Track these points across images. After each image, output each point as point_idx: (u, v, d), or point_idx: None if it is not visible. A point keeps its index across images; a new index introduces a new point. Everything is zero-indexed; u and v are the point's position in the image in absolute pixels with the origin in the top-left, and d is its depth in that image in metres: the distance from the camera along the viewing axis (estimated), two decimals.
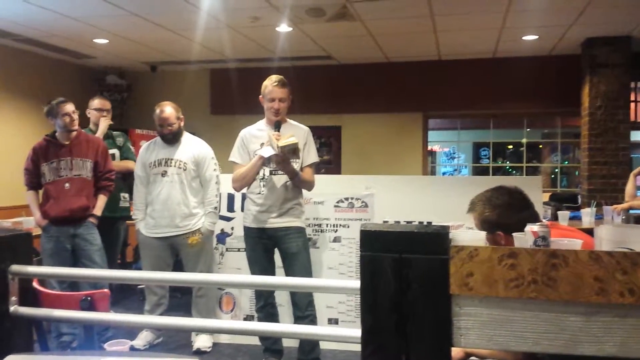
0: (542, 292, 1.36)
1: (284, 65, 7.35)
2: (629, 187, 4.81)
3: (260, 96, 3.60)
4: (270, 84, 3.54)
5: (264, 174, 3.53)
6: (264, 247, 3.59)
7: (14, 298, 1.94)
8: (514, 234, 1.81)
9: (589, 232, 2.19)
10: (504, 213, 2.17)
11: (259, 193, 3.54)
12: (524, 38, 6.30)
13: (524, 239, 1.70)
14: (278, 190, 3.52)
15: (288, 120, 3.67)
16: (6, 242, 1.95)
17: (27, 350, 2.00)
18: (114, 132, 4.84)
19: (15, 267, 1.93)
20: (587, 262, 1.34)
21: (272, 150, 3.33)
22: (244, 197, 3.85)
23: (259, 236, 3.56)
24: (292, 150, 3.34)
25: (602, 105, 6.35)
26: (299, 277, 3.41)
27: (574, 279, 1.34)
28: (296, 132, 3.59)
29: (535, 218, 2.12)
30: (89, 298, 2.04)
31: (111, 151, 4.60)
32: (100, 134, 4.59)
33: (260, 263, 3.59)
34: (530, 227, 1.66)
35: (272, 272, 3.65)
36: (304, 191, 3.70)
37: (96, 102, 4.78)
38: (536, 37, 6.23)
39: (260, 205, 3.53)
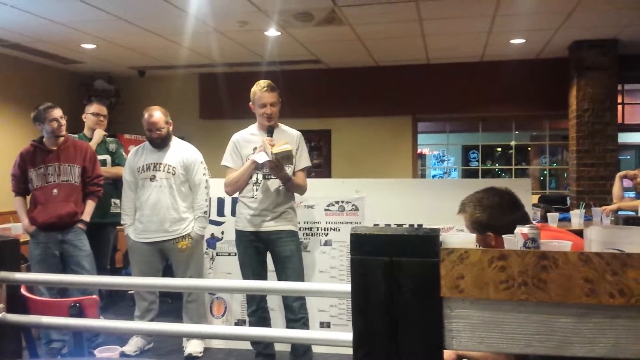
0: (533, 294, 1.36)
1: (273, 70, 7.36)
2: (616, 189, 4.84)
3: (250, 103, 3.59)
4: (259, 90, 3.54)
5: (257, 178, 3.53)
6: (257, 250, 3.58)
7: (1, 305, 1.92)
8: (504, 236, 1.81)
9: (579, 233, 2.20)
10: (494, 214, 2.17)
11: (252, 197, 3.53)
12: (512, 42, 6.34)
13: (513, 240, 1.70)
14: (271, 194, 3.51)
15: (280, 125, 3.67)
16: None
17: (16, 358, 1.97)
18: (108, 138, 4.83)
19: (2, 274, 1.91)
20: (577, 263, 1.34)
21: (266, 156, 3.33)
22: (234, 201, 3.85)
23: (252, 240, 3.56)
24: (286, 157, 3.35)
25: (590, 108, 6.40)
26: (291, 280, 3.41)
27: (564, 281, 1.35)
28: (288, 137, 3.59)
29: (525, 219, 2.13)
30: (77, 304, 2.02)
31: (102, 157, 4.58)
32: (95, 142, 4.58)
33: (253, 267, 3.58)
34: (520, 229, 1.66)
35: (264, 276, 3.64)
36: (295, 195, 3.71)
37: (94, 107, 4.79)
38: (523, 40, 6.28)
39: (253, 209, 3.53)
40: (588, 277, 1.33)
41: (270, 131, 3.52)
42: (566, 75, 6.81)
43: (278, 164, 3.36)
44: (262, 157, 3.37)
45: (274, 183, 3.52)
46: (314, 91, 7.73)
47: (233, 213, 3.83)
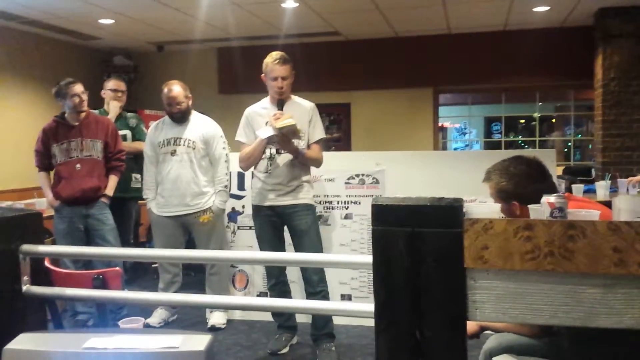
0: (559, 265, 1.34)
1: (291, 42, 7.27)
2: None
3: (262, 74, 3.53)
4: (271, 61, 3.46)
5: (270, 153, 3.49)
6: (273, 225, 3.58)
7: (25, 277, 1.94)
8: (530, 206, 1.77)
9: (605, 204, 2.15)
10: (521, 182, 2.13)
11: (266, 172, 3.51)
12: (535, 10, 6.17)
13: (540, 210, 1.66)
14: (285, 168, 3.49)
15: (292, 97, 3.61)
16: (16, 222, 1.95)
17: (41, 329, 2.01)
18: (128, 114, 4.84)
19: (26, 247, 1.93)
20: (605, 233, 1.31)
21: (271, 131, 3.30)
22: (254, 175, 3.84)
23: (268, 214, 3.55)
24: (291, 132, 3.31)
25: (616, 77, 6.24)
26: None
27: (592, 251, 1.31)
28: (300, 109, 3.54)
29: (553, 189, 2.08)
30: (100, 276, 2.04)
31: (123, 132, 4.59)
32: (112, 116, 4.59)
33: (270, 241, 3.58)
34: (547, 199, 1.63)
35: (282, 250, 3.64)
36: (314, 168, 3.68)
37: (111, 83, 4.80)
38: (548, 8, 6.10)
39: (268, 184, 3.51)
40: (617, 247, 1.30)
41: (280, 104, 3.47)
42: (591, 44, 6.63)
43: (284, 138, 3.32)
44: (266, 132, 3.34)
45: (287, 157, 3.47)
46: (333, 64, 7.64)
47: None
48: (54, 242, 4.15)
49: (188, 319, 4.32)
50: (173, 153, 4.06)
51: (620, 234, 1.30)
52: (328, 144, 7.26)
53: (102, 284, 2.03)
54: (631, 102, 6.21)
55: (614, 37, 6.21)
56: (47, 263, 2.15)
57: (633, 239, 1.29)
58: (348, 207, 4.17)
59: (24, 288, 1.94)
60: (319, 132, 3.58)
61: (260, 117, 3.56)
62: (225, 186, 4.11)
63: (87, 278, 2.08)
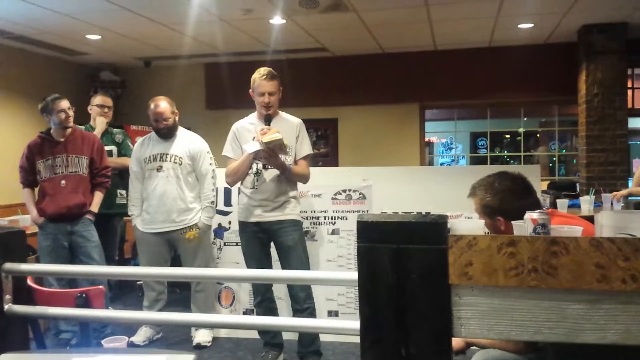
0: (543, 281, 1.34)
1: (278, 58, 7.31)
2: (638, 173, 4.74)
3: (250, 90, 3.55)
4: (259, 77, 3.48)
5: (257, 169, 3.49)
6: (260, 241, 3.56)
7: (8, 296, 1.92)
8: (513, 222, 1.78)
9: (589, 219, 2.17)
10: (505, 198, 2.14)
11: (253, 187, 3.51)
12: (520, 26, 6.26)
13: (523, 226, 1.67)
14: (271, 184, 3.48)
15: (280, 113, 3.62)
16: None
17: (23, 349, 1.98)
18: (114, 129, 4.83)
19: (8, 265, 1.91)
20: (588, 249, 1.32)
21: (258, 145, 3.31)
22: (241, 190, 3.83)
23: (254, 230, 3.54)
24: (278, 146, 3.31)
25: (599, 93, 6.32)
26: (296, 270, 3.39)
27: (575, 267, 1.32)
28: (288, 124, 3.55)
29: (537, 205, 2.09)
30: (83, 295, 2.02)
31: (109, 147, 4.58)
32: (98, 132, 4.58)
33: (257, 257, 3.56)
34: (530, 215, 1.64)
35: (268, 266, 3.62)
36: (301, 184, 3.68)
37: (98, 99, 4.80)
38: (532, 25, 6.19)
39: (254, 200, 3.50)
40: (599, 263, 1.31)
41: (268, 120, 3.48)
42: (575, 60, 6.73)
43: (271, 153, 3.32)
44: (253, 147, 3.34)
45: (274, 173, 3.47)
46: (320, 80, 7.68)
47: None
48: (37, 260, 4.10)
49: (173, 336, 4.27)
50: (159, 169, 4.04)
51: (603, 250, 1.31)
52: (315, 160, 7.27)
53: (86, 302, 2.01)
54: (614, 118, 6.30)
55: (597, 54, 6.31)
56: (29, 281, 2.12)
57: (615, 255, 1.30)
58: (335, 222, 4.17)
59: (6, 307, 1.91)
60: (306, 148, 3.58)
61: (247, 132, 3.57)
62: (212, 202, 4.10)
63: (70, 296, 2.06)
